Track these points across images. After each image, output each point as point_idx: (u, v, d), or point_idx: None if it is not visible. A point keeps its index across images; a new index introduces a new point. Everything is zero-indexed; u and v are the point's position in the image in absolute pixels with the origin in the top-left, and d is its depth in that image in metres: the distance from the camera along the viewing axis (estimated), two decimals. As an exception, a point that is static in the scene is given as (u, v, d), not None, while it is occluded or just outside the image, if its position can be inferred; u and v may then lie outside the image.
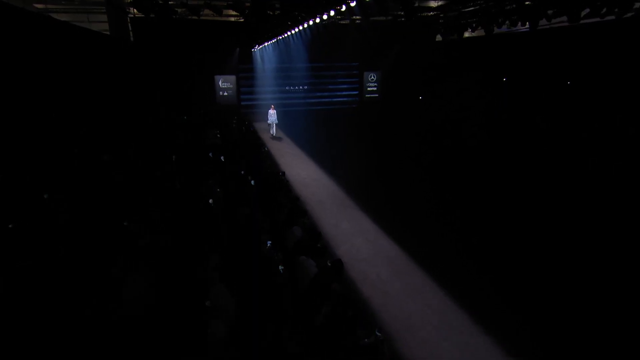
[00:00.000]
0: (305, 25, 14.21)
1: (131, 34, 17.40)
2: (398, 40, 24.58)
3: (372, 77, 26.60)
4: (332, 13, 10.87)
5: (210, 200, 7.19)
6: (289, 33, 18.11)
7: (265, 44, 21.66)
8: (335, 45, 23.12)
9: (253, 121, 22.82)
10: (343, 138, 18.74)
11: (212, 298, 4.73)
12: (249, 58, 23.37)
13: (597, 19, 12.46)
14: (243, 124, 17.94)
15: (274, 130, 18.31)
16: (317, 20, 12.16)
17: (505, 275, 6.91)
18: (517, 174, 12.43)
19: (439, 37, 22.73)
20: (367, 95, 26.74)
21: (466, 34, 19.56)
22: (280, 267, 5.40)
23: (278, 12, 14.57)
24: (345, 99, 26.76)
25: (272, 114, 18.26)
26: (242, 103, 24.18)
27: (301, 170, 13.67)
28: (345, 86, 26.55)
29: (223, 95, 23.31)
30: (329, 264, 5.59)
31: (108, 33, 15.54)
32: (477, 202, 10.14)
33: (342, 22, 19.98)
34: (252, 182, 9.08)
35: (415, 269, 7.18)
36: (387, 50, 25.78)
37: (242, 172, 9.87)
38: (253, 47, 22.87)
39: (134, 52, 16.69)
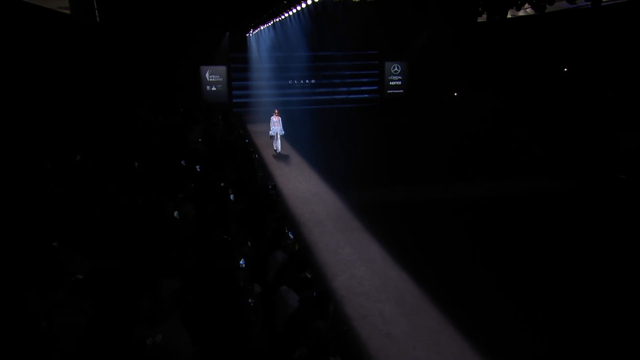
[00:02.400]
0: (311, 2, 14.52)
1: (97, 14, 17.86)
2: (428, 23, 24.77)
3: (396, 69, 26.91)
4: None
5: (176, 214, 7.32)
6: (291, 12, 18.49)
7: (263, 26, 22.06)
8: (349, 29, 23.48)
9: (247, 122, 23.18)
10: (356, 144, 18.93)
11: (164, 335, 4.82)
12: (242, 45, 23.87)
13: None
14: (229, 123, 18.21)
15: (278, 145, 17.24)
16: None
17: (549, 330, 6.83)
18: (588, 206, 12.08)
19: (482, 18, 22.84)
20: (389, 91, 27.05)
21: (510, 14, 19.69)
22: (250, 300, 5.46)
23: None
24: (361, 95, 27.06)
25: (276, 123, 17.14)
26: (235, 100, 24.61)
27: (300, 183, 13.85)
28: (361, 80, 26.87)
29: (211, 90, 23.82)
30: (312, 297, 5.64)
31: (68, 12, 16.00)
32: (526, 237, 10.00)
33: (357, -1, 20.33)
34: (232, 197, 9.22)
35: (428, 308, 7.19)
36: (414, 35, 26.02)
37: (222, 185, 10.04)
38: (247, 32, 23.30)
39: (100, 36, 17.12)
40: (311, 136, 19.50)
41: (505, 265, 8.65)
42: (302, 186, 13.53)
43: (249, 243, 7.16)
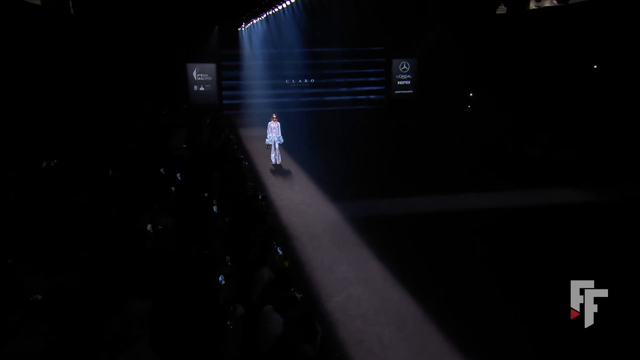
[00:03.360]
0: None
1: (71, 5, 17.92)
2: (440, 15, 24.91)
3: (405, 67, 27.05)
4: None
5: (149, 227, 7.37)
6: (288, 3, 18.61)
7: (256, 20, 22.20)
8: (353, 23, 23.62)
9: (238, 126, 23.25)
10: (359, 150, 18.95)
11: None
12: (234, 40, 24.00)
13: None
14: (218, 127, 18.30)
15: (277, 156, 16.64)
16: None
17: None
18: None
19: (501, 9, 22.91)
20: (396, 92, 27.18)
21: (532, 5, 19.79)
22: (228, 322, 5.48)
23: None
24: (365, 96, 27.16)
25: (274, 129, 16.48)
26: (225, 101, 24.72)
27: (295, 193, 13.89)
28: (366, 79, 26.99)
29: (199, 90, 23.95)
30: (298, 318, 5.66)
31: (39, 3, 16.12)
32: (555, 260, 9.67)
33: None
34: (215, 208, 9.28)
35: (432, 332, 7.17)
36: (424, 29, 26.14)
37: (206, 195, 10.10)
38: (239, 26, 23.44)
39: (74, 30, 17.19)
40: (309, 141, 19.52)
41: (527, 292, 8.34)
42: (297, 197, 13.55)
43: (228, 258, 7.15)
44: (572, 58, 19.23)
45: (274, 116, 16.77)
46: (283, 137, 16.76)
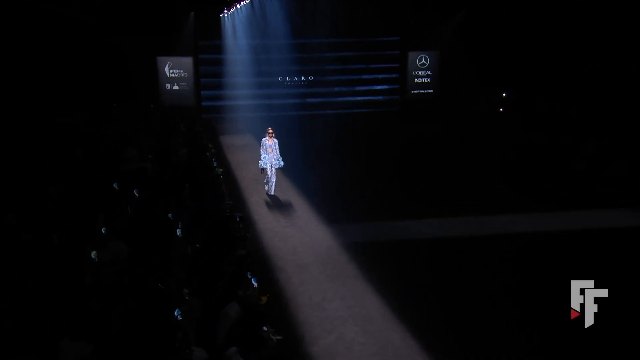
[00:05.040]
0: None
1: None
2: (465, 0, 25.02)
3: (423, 61, 27.09)
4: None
5: (94, 255, 7.38)
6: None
7: (240, 4, 22.31)
8: (360, 9, 23.72)
9: (220, 133, 23.31)
10: (365, 161, 19.00)
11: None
12: (214, 29, 24.06)
13: None
14: (194, 134, 18.36)
15: (272, 184, 15.24)
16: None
17: None
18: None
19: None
20: (413, 91, 27.19)
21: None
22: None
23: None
24: (375, 97, 27.17)
25: (271, 148, 15.03)
26: (204, 103, 24.77)
27: (283, 213, 14.00)
28: (376, 76, 27.02)
29: (172, 89, 23.96)
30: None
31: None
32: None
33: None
34: (180, 232, 9.29)
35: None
36: (448, 15, 26.23)
37: (170, 217, 10.12)
38: (221, 12, 23.53)
39: (11, 13, 17.04)
40: (304, 151, 19.46)
41: (558, 343, 8.24)
42: (285, 218, 13.62)
43: (186, 291, 7.16)
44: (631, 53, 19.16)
45: (270, 131, 15.14)
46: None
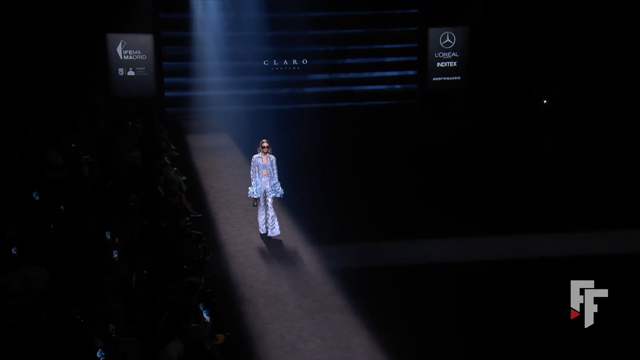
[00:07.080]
0: None
1: None
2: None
3: (449, 40, 27.07)
4: None
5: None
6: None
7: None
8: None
9: (186, 131, 23.35)
10: (369, 167, 19.00)
11: None
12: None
13: None
14: (152, 132, 18.41)
15: (271, 222, 13.79)
16: None
17: None
18: None
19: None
20: (435, 79, 27.11)
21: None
22: None
23: None
24: (388, 86, 27.18)
25: (265, 170, 13.76)
26: (168, 94, 24.75)
27: (256, 233, 13.85)
28: (388, 59, 27.03)
29: (127, 75, 23.85)
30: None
31: None
32: None
33: None
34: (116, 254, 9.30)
35: None
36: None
37: (107, 235, 10.13)
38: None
39: None
40: (291, 155, 19.45)
41: None
42: (260, 238, 13.62)
43: (112, 327, 7.18)
44: None
45: (265, 145, 13.79)
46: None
